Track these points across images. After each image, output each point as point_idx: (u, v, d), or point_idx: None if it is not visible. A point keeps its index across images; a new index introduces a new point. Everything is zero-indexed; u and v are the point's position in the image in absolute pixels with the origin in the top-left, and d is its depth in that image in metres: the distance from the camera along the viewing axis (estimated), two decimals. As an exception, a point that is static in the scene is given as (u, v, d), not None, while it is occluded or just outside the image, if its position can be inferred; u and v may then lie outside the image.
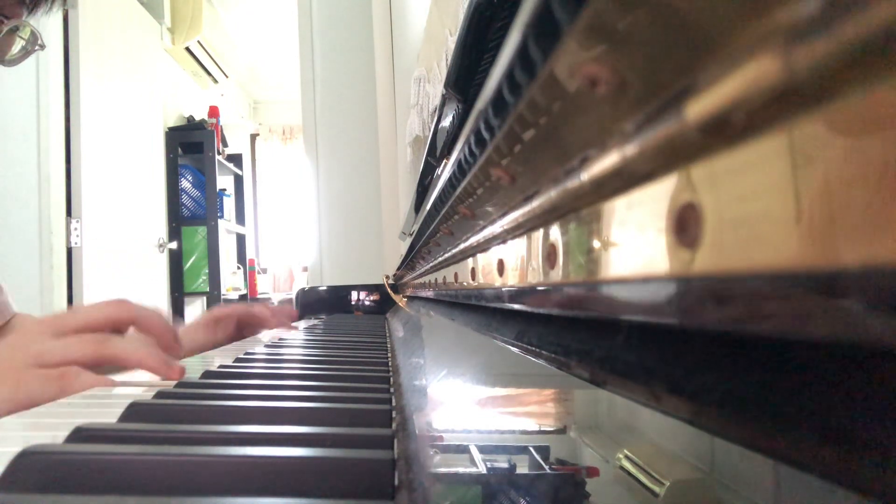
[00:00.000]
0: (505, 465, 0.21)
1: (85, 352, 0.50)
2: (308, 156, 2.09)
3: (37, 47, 0.79)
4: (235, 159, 3.83)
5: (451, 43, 0.66)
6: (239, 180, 3.96)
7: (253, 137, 4.97)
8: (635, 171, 0.13)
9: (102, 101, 2.46)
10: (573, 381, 0.19)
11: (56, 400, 0.46)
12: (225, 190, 3.67)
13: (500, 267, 0.31)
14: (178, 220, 3.22)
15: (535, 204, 0.22)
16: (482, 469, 0.21)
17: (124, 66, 2.67)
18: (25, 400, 0.47)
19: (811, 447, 0.09)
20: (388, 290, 1.46)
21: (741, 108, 0.09)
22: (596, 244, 0.17)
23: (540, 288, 0.23)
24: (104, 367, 0.50)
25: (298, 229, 4.65)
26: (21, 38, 0.77)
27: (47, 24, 2.15)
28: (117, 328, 0.54)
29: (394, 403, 0.36)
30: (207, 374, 0.50)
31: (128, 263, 2.64)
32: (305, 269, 2.82)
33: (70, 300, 2.23)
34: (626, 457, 0.15)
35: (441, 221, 0.47)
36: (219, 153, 3.36)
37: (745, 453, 0.10)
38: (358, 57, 2.01)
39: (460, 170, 0.31)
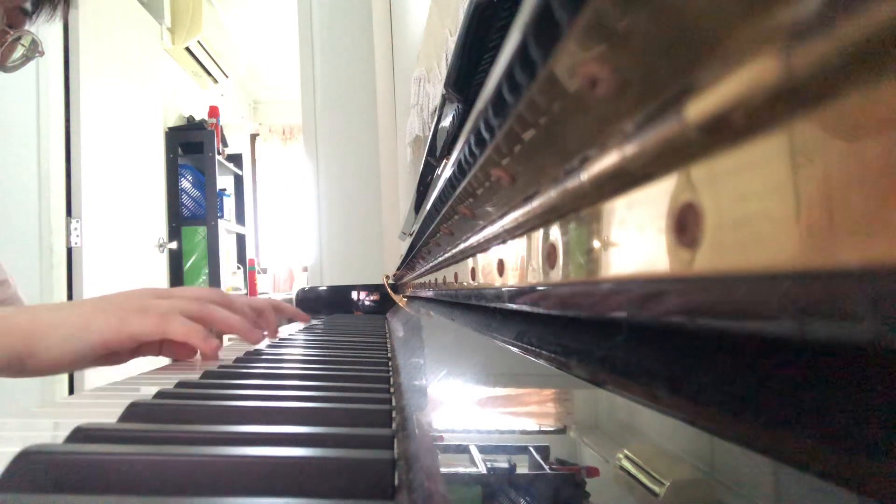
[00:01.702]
0: (505, 465, 0.21)
1: (188, 308, 0.56)
2: (308, 156, 2.09)
3: (37, 54, 0.81)
4: (235, 159, 3.83)
5: (451, 43, 0.66)
6: (239, 180, 3.96)
7: (253, 137, 4.97)
8: (635, 171, 0.13)
9: (102, 102, 2.46)
10: (573, 381, 0.19)
11: (153, 333, 0.53)
12: (225, 190, 3.67)
13: (500, 267, 0.31)
14: (178, 220, 3.22)
15: (535, 204, 0.22)
16: (482, 469, 0.21)
17: (124, 66, 2.66)
18: (127, 333, 0.53)
19: (811, 447, 0.09)
20: (388, 290, 1.46)
21: (741, 108, 0.09)
22: (596, 244, 0.17)
23: (540, 288, 0.23)
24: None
25: (298, 229, 4.65)
26: (22, 45, 0.79)
27: (46, 23, 2.15)
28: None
29: (394, 403, 0.36)
30: (207, 374, 0.50)
31: (128, 263, 2.64)
32: (305, 269, 2.81)
33: (70, 300, 2.23)
34: (626, 457, 0.15)
35: (441, 221, 0.47)
36: (219, 153, 3.36)
37: (745, 453, 0.10)
38: (358, 57, 2.01)
39: (460, 170, 0.31)
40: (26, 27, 0.77)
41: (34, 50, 0.80)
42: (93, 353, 0.51)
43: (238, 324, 0.60)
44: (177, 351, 0.61)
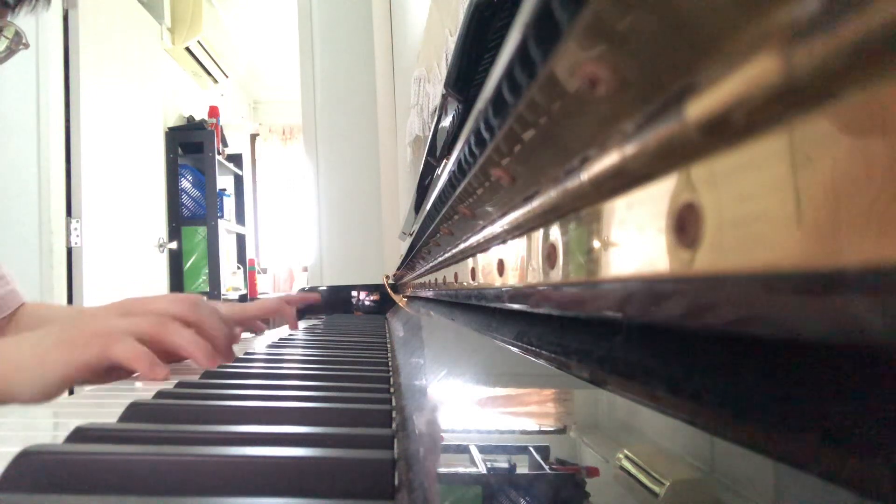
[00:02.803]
0: (505, 465, 0.21)
1: (141, 328, 0.52)
2: (308, 156, 2.08)
3: (20, 46, 0.80)
4: (235, 159, 3.83)
5: (451, 43, 0.66)
6: (239, 180, 3.96)
7: (253, 137, 4.97)
8: (635, 171, 0.13)
9: (102, 101, 2.46)
10: (573, 381, 0.19)
11: (99, 359, 0.50)
12: (225, 190, 3.67)
13: (500, 267, 0.31)
14: (178, 220, 3.21)
15: (535, 204, 0.22)
16: (482, 469, 0.21)
17: (124, 65, 2.66)
18: (79, 363, 0.50)
19: (811, 447, 0.09)
20: (388, 290, 1.46)
21: (741, 108, 0.09)
22: (596, 244, 0.17)
23: (540, 288, 0.23)
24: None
25: (298, 229, 4.65)
26: (5, 37, 0.78)
27: (46, 23, 2.16)
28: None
29: (394, 403, 0.36)
30: (207, 374, 0.50)
31: (128, 263, 2.64)
32: (305, 269, 2.81)
33: (70, 300, 2.23)
34: (626, 457, 0.15)
35: (441, 221, 0.47)
36: (219, 153, 3.36)
37: (745, 453, 0.10)
38: (358, 57, 2.01)
39: (460, 170, 0.31)
40: (8, 19, 0.77)
41: (18, 42, 0.79)
42: (60, 387, 0.50)
43: (194, 350, 0.54)
44: (127, 375, 0.57)
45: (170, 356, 0.54)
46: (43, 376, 0.49)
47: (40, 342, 0.51)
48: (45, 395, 0.50)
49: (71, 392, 0.56)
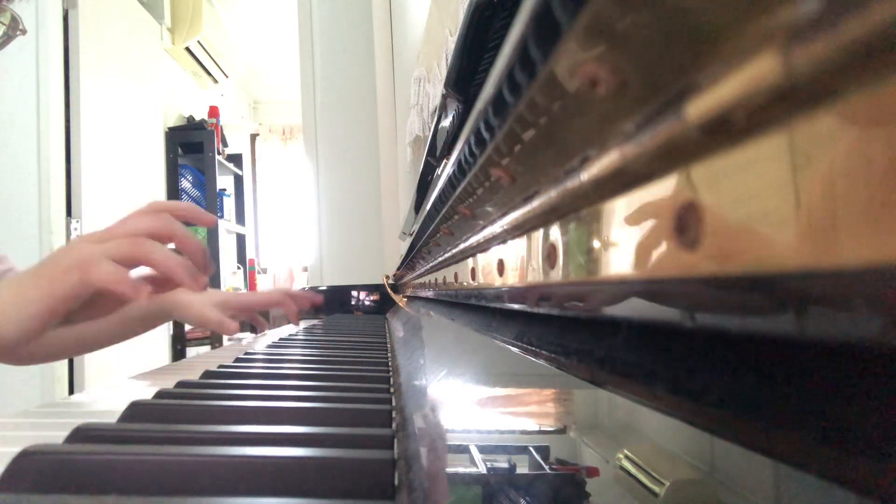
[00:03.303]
0: (505, 465, 0.21)
1: (119, 250, 0.51)
2: (308, 156, 2.08)
3: (18, 32, 0.79)
4: (235, 159, 3.83)
5: (451, 43, 0.66)
6: (239, 180, 3.96)
7: (253, 137, 4.97)
8: (635, 171, 0.13)
9: (102, 101, 2.46)
10: (573, 381, 0.19)
11: (80, 287, 0.49)
12: (225, 190, 3.67)
13: (500, 267, 0.31)
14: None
15: (535, 204, 0.22)
16: (482, 469, 0.21)
17: (124, 65, 2.66)
18: (60, 295, 0.49)
19: (811, 447, 0.09)
20: (388, 290, 1.46)
21: (741, 108, 0.09)
22: (596, 244, 0.17)
23: (540, 288, 0.23)
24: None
25: (298, 229, 4.65)
26: (2, 23, 0.78)
27: (46, 23, 2.15)
28: (157, 240, 0.55)
29: (394, 403, 0.36)
30: (207, 374, 0.50)
31: (128, 263, 2.64)
32: (305, 269, 2.81)
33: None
34: (626, 457, 0.15)
35: (441, 221, 0.47)
36: (219, 153, 3.36)
37: (745, 453, 0.10)
38: (358, 57, 2.01)
39: (460, 170, 0.31)
40: (4, 4, 0.77)
41: (15, 28, 0.79)
42: (41, 323, 0.49)
43: (176, 268, 0.53)
44: (113, 305, 0.56)
45: (154, 281, 0.54)
46: (23, 312, 0.49)
47: (19, 282, 0.51)
48: (28, 330, 0.49)
49: (71, 392, 0.56)
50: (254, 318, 0.97)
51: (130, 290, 0.49)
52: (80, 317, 0.54)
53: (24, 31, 0.80)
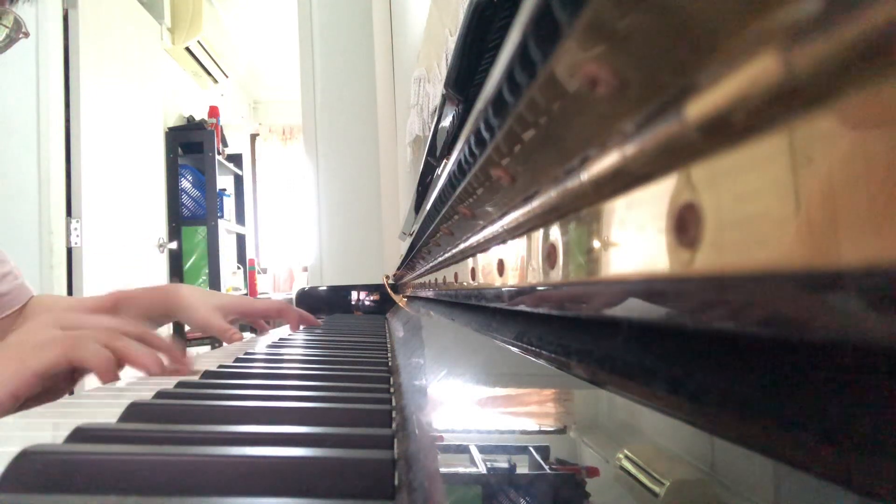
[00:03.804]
0: (505, 465, 0.21)
1: (101, 339, 0.51)
2: (308, 156, 2.08)
3: (21, 35, 0.79)
4: (235, 159, 3.83)
5: (451, 43, 0.66)
6: (239, 180, 3.96)
7: (253, 137, 4.97)
8: (635, 171, 0.13)
9: (102, 101, 2.46)
10: (573, 381, 0.19)
11: (60, 361, 0.48)
12: (225, 190, 3.67)
13: (500, 267, 0.31)
14: (178, 220, 3.22)
15: (535, 204, 0.22)
16: (482, 469, 0.21)
17: (124, 65, 2.66)
18: (30, 372, 0.48)
19: (811, 447, 0.09)
20: (388, 290, 1.46)
21: (741, 108, 0.09)
22: (596, 244, 0.17)
23: (540, 288, 0.23)
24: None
25: (298, 229, 4.65)
26: (5, 26, 0.78)
27: (46, 23, 2.15)
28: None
29: (394, 403, 0.36)
30: (207, 374, 0.50)
31: (128, 263, 2.64)
32: (305, 269, 2.81)
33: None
34: (626, 457, 0.15)
35: (441, 221, 0.47)
36: (219, 153, 3.36)
37: (745, 453, 0.10)
38: (358, 57, 2.01)
39: (460, 170, 0.31)
40: (7, 6, 0.76)
41: (18, 30, 0.79)
42: (3, 408, 0.48)
43: (151, 363, 0.53)
44: (71, 384, 0.56)
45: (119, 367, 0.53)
46: None
47: None
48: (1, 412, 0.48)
49: (71, 392, 0.56)
50: (255, 322, 0.97)
51: (110, 374, 0.49)
52: (37, 395, 0.53)
53: (26, 34, 0.80)
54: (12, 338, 0.53)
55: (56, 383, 0.53)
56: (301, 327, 0.99)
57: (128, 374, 0.53)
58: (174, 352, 0.55)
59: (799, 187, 0.08)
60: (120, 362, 0.52)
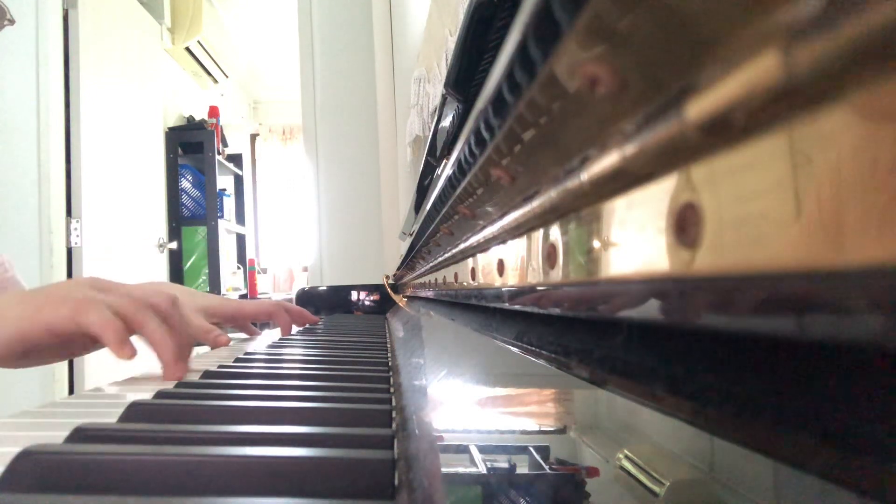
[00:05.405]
0: (505, 465, 0.21)
1: (119, 304, 0.49)
2: (308, 156, 2.08)
3: (6, 22, 0.79)
4: (235, 159, 3.83)
5: (451, 43, 0.66)
6: (239, 180, 3.96)
7: (253, 137, 4.97)
8: (635, 171, 0.13)
9: (102, 101, 2.46)
10: (573, 381, 0.19)
11: (66, 322, 0.48)
12: (225, 190, 3.67)
13: (500, 267, 0.31)
14: (178, 220, 3.21)
15: (535, 204, 0.22)
16: (482, 469, 0.21)
17: (124, 65, 2.66)
18: (42, 322, 0.48)
19: (811, 447, 0.09)
20: (388, 290, 1.46)
21: (741, 108, 0.09)
22: (596, 244, 0.17)
23: (540, 288, 0.23)
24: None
25: (298, 229, 4.65)
26: None
27: (46, 23, 2.15)
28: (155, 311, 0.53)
29: (394, 403, 0.36)
30: (207, 374, 0.50)
31: (128, 263, 2.64)
32: (305, 269, 2.81)
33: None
34: (626, 457, 0.15)
35: (441, 221, 0.47)
36: (219, 153, 3.36)
37: (745, 453, 0.10)
38: (358, 57, 2.01)
39: (460, 170, 0.31)
40: None
41: (2, 17, 0.79)
42: (9, 346, 0.48)
43: (164, 347, 0.50)
44: (86, 349, 0.55)
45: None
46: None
47: (7, 301, 0.50)
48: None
49: (71, 392, 0.56)
50: (244, 326, 0.94)
51: (119, 344, 0.47)
52: (33, 358, 0.53)
53: (11, 21, 0.80)
54: (49, 287, 0.52)
55: (66, 344, 0.53)
56: (301, 327, 0.99)
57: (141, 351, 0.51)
58: (183, 350, 0.53)
59: (799, 187, 0.08)
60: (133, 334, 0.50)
